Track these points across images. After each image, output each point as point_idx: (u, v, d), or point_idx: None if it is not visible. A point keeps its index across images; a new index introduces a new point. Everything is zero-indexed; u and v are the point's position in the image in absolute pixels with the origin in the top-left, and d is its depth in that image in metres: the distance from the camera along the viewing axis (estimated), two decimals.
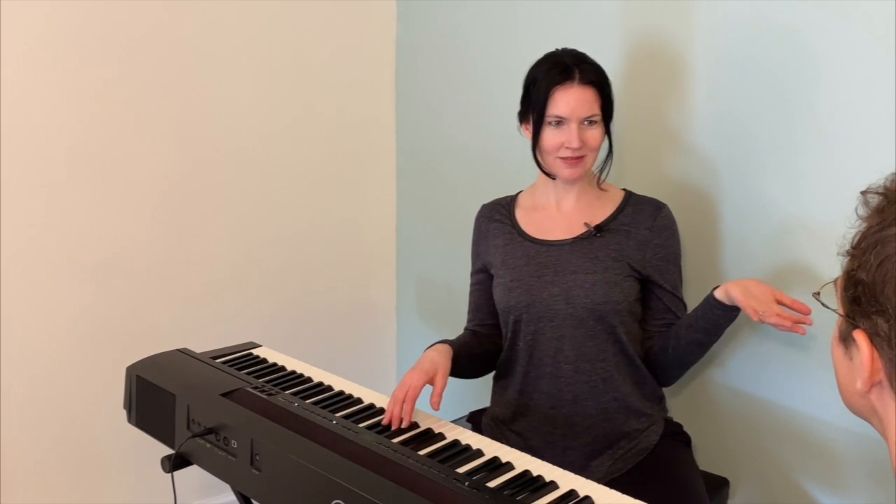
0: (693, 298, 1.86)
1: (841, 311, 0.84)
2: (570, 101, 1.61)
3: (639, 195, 1.75)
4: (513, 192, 1.86)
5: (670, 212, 1.73)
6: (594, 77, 1.64)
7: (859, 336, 0.80)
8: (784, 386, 1.80)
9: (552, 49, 1.71)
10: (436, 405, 1.51)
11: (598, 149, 1.66)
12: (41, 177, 2.06)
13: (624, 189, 1.77)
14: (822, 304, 0.89)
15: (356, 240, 2.68)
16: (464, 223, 2.42)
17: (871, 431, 1.66)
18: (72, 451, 2.20)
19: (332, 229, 2.61)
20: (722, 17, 1.79)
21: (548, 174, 1.71)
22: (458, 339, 1.78)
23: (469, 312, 1.87)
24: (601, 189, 1.75)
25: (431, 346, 1.67)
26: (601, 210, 1.73)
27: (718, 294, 1.56)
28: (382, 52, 2.62)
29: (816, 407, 1.75)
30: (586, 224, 1.70)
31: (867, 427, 1.68)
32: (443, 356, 1.60)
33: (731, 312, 1.57)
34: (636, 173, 1.98)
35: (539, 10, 2.17)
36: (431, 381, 1.54)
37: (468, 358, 1.74)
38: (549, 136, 1.64)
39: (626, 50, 1.96)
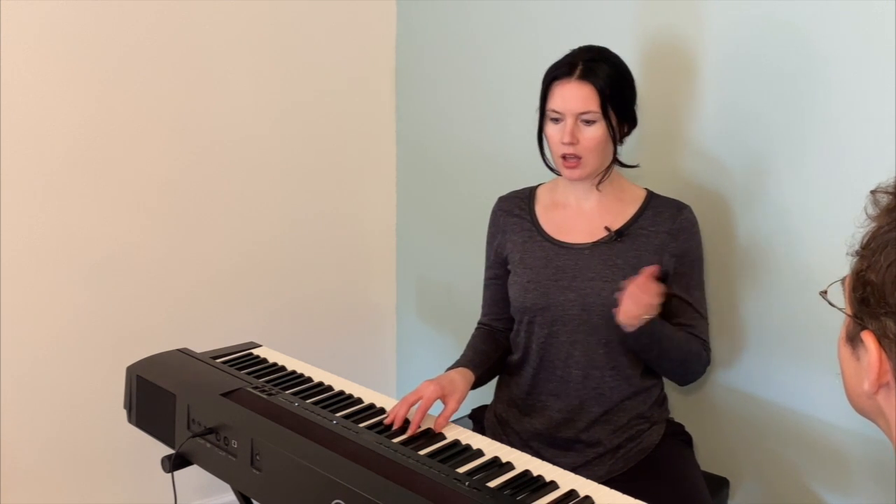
0: None
1: (849, 312, 0.83)
2: (565, 95, 1.60)
3: (661, 196, 1.71)
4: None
5: (692, 213, 1.69)
6: (596, 74, 1.59)
7: (867, 337, 0.79)
8: (784, 386, 1.80)
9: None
10: (440, 427, 1.50)
11: (597, 150, 1.61)
12: (40, 176, 2.06)
13: (646, 189, 1.74)
14: (830, 304, 0.88)
15: (356, 240, 2.68)
16: (464, 223, 2.42)
17: (872, 432, 1.66)
18: (72, 451, 2.20)
19: (333, 229, 2.61)
20: (734, 19, 1.79)
21: (556, 172, 1.69)
22: (477, 350, 1.75)
23: (484, 306, 1.84)
24: (619, 185, 1.71)
25: (455, 366, 1.67)
26: (622, 212, 1.69)
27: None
28: (382, 51, 2.62)
29: (817, 407, 1.75)
30: (607, 228, 1.68)
31: (868, 427, 1.68)
32: (464, 382, 1.61)
33: (634, 335, 1.55)
34: (648, 173, 1.96)
35: (540, 10, 2.17)
36: (445, 400, 1.55)
37: (488, 372, 1.75)
38: (550, 130, 1.63)
39: (637, 50, 1.94)
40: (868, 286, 0.78)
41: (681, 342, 1.63)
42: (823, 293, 0.89)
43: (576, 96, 1.59)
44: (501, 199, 1.82)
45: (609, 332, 1.63)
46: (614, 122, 1.61)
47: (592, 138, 1.60)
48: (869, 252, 0.79)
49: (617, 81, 1.62)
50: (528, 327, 1.71)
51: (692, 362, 1.67)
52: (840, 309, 0.85)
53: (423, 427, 1.50)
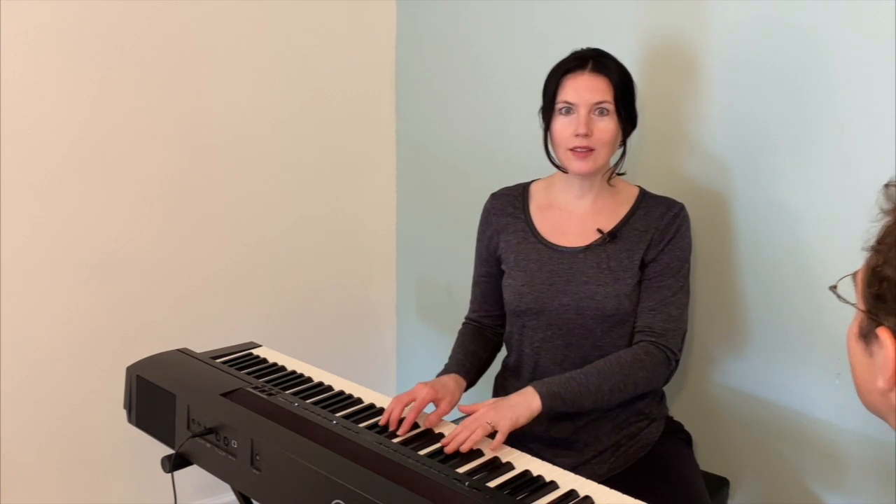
0: (704, 297, 1.86)
1: (862, 307, 0.82)
2: (579, 86, 1.60)
3: (654, 195, 1.71)
4: None
5: (684, 211, 1.67)
6: (609, 68, 1.61)
7: (883, 333, 0.78)
8: (785, 386, 1.80)
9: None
10: (431, 424, 1.51)
11: (609, 143, 1.61)
12: (40, 175, 2.06)
13: (638, 186, 1.73)
14: (839, 298, 0.86)
15: (356, 239, 2.68)
16: (464, 223, 2.42)
17: (872, 431, 1.67)
18: (72, 451, 2.20)
19: (333, 229, 2.61)
20: (736, 18, 1.78)
21: (561, 169, 1.68)
22: (467, 351, 1.74)
23: (474, 302, 1.83)
24: (612, 186, 1.70)
25: (446, 371, 1.67)
26: (615, 212, 1.69)
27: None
28: (382, 52, 2.62)
29: (816, 407, 1.74)
30: (599, 231, 1.67)
31: (868, 427, 1.69)
32: (457, 388, 1.62)
33: (545, 412, 1.52)
34: (650, 173, 1.96)
35: (541, 10, 2.17)
36: (437, 403, 1.55)
37: (478, 373, 1.76)
38: (559, 124, 1.62)
39: (639, 50, 1.94)
40: (884, 282, 0.77)
41: (604, 373, 1.56)
42: (833, 288, 0.88)
43: (590, 87, 1.59)
44: (494, 197, 1.81)
45: (603, 334, 1.64)
46: (623, 119, 1.63)
47: (606, 130, 1.60)
48: (885, 247, 0.78)
49: (625, 79, 1.64)
50: (523, 330, 1.71)
51: (635, 376, 1.58)
52: (851, 304, 0.84)
53: (423, 427, 1.50)
